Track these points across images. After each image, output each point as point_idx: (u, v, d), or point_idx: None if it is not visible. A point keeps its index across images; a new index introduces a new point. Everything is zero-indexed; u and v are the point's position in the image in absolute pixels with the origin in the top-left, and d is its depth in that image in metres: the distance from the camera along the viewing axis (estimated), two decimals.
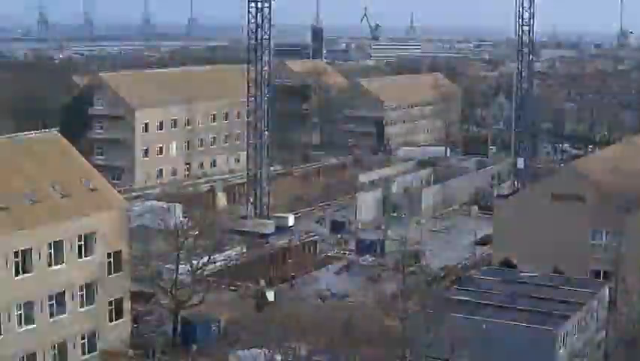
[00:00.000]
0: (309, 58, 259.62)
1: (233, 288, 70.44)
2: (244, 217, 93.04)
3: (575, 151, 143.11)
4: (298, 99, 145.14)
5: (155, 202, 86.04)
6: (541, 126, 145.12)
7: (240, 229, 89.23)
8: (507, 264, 65.42)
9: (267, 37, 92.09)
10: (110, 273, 58.20)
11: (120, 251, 59.11)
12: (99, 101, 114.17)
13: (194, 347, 59.28)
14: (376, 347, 51.05)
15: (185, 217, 68.25)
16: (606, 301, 57.37)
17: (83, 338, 56.94)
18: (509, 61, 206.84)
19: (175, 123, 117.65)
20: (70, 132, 74.02)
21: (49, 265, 54.43)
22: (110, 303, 58.58)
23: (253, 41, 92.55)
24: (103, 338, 57.91)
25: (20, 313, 53.04)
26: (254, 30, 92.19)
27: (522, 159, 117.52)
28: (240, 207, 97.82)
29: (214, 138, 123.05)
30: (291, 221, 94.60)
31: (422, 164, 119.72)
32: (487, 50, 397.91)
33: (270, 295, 67.77)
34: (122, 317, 59.52)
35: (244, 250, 78.80)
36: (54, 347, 55.15)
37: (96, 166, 68.65)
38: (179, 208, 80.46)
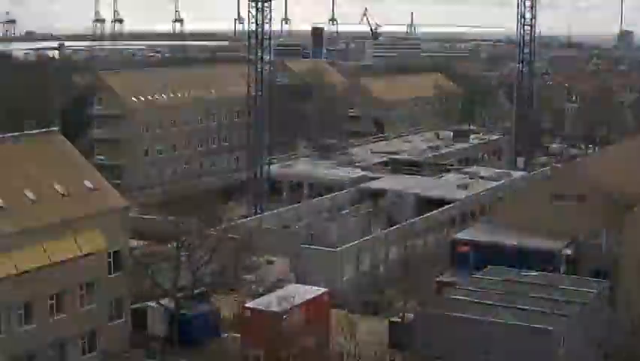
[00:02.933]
0: (309, 58, 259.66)
1: None
2: (244, 217, 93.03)
3: (574, 151, 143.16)
4: (298, 99, 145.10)
5: None
6: (542, 126, 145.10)
7: None
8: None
9: (267, 36, 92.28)
10: (110, 273, 58.20)
11: (120, 251, 59.15)
12: (99, 101, 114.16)
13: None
14: None
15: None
16: (606, 300, 57.36)
17: (82, 338, 56.94)
18: (510, 61, 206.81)
19: (175, 123, 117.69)
20: (70, 132, 74.06)
21: (49, 265, 54.43)
22: (110, 303, 58.57)
23: (253, 41, 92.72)
24: (103, 338, 57.89)
25: (20, 313, 53.08)
26: (254, 30, 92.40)
27: (522, 158, 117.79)
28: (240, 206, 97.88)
29: (214, 137, 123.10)
30: None
31: None
32: (488, 49, 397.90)
33: None
34: (122, 317, 59.52)
35: None
36: (53, 347, 55.14)
37: (96, 166, 68.62)
38: None
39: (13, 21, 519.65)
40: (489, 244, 68.07)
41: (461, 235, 72.38)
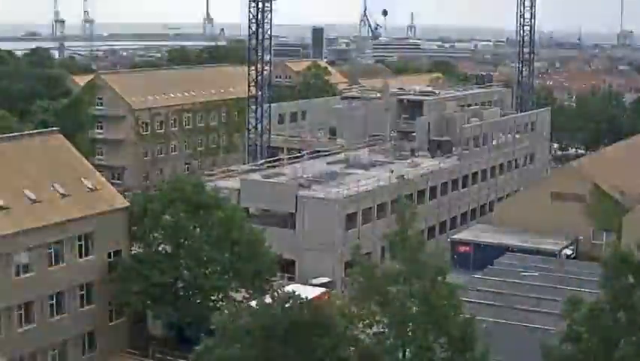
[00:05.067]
0: (309, 58, 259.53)
1: None
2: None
3: (575, 150, 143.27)
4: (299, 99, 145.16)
5: None
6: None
7: None
8: None
9: (267, 37, 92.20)
10: (110, 273, 58.19)
11: (120, 251, 59.17)
12: (99, 101, 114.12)
13: None
14: None
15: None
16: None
17: (82, 338, 56.96)
18: (510, 60, 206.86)
19: (175, 123, 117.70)
20: (71, 132, 74.00)
21: (49, 265, 54.47)
22: (110, 303, 58.57)
23: (254, 41, 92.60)
24: (103, 338, 57.91)
25: (20, 314, 53.10)
26: (254, 30, 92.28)
27: None
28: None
29: (214, 137, 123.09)
30: None
31: None
32: (488, 49, 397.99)
33: None
34: (122, 317, 59.52)
35: None
36: (54, 347, 55.17)
37: (96, 166, 68.62)
38: None
39: None
40: (489, 245, 68.03)
41: (461, 236, 72.33)
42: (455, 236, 73.44)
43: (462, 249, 69.55)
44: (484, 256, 65.75)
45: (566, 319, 41.42)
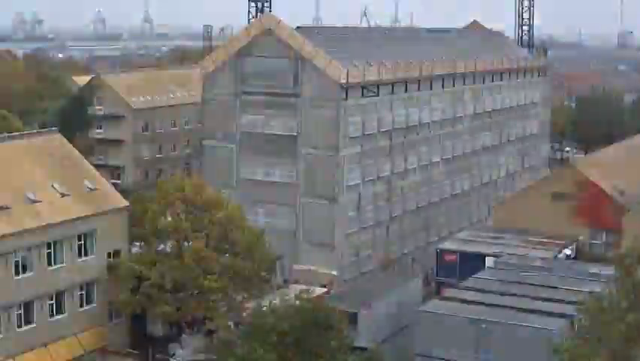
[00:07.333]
0: None
1: None
2: None
3: (572, 149, 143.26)
4: None
5: None
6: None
7: None
8: None
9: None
10: (110, 273, 58.20)
11: (120, 251, 59.20)
12: (99, 101, 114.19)
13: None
14: None
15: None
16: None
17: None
18: None
19: (175, 123, 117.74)
20: (70, 132, 74.05)
21: (49, 265, 54.49)
22: (110, 303, 58.58)
23: None
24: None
25: (20, 314, 53.12)
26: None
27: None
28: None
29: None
30: None
31: None
32: None
33: None
34: (121, 317, 59.54)
35: None
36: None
37: (96, 166, 68.63)
38: None
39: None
40: (476, 254, 66.33)
41: (448, 245, 70.30)
42: (441, 245, 71.43)
43: (447, 258, 67.70)
44: (470, 265, 63.92)
45: (581, 314, 41.02)
